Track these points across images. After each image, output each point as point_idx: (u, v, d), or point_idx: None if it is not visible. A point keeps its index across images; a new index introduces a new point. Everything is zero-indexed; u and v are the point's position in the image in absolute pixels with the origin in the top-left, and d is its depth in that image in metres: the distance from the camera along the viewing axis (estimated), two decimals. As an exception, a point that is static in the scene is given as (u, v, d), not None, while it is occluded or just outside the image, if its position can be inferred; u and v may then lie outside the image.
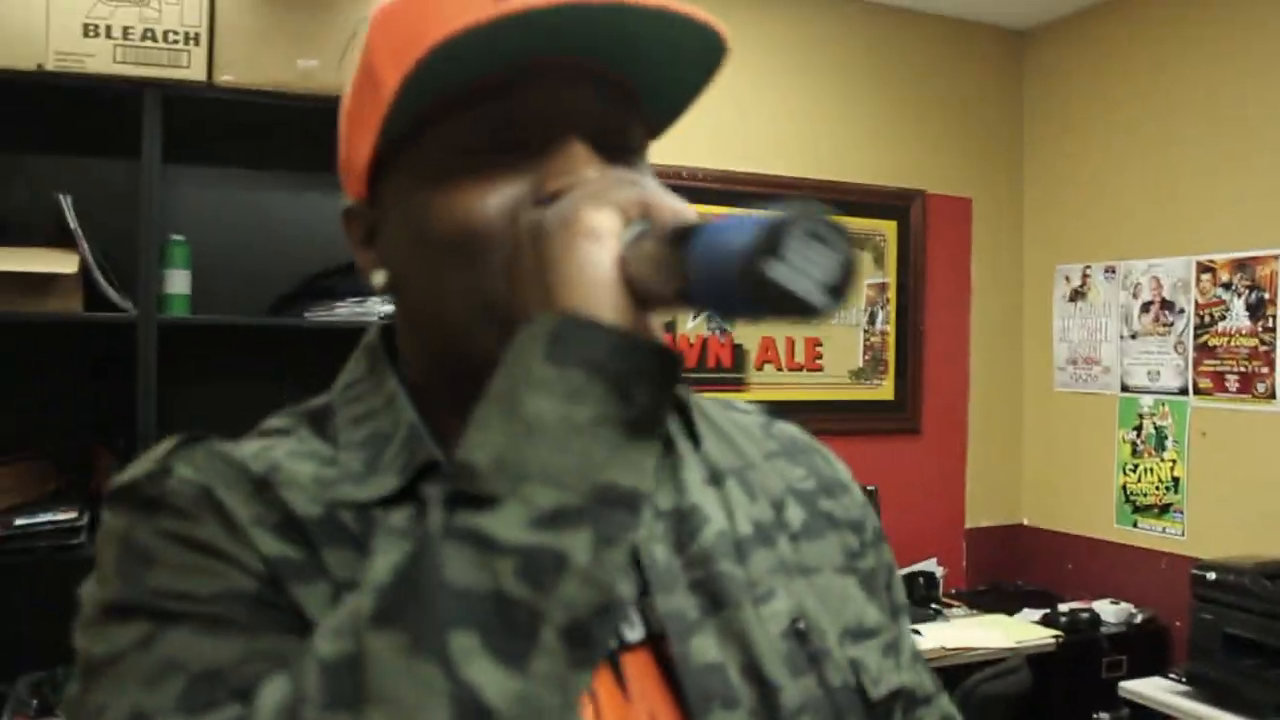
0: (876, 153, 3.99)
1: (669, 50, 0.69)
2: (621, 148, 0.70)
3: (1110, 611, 3.67)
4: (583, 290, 0.56)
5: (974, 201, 4.19)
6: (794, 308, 0.52)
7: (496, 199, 0.65)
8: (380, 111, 0.65)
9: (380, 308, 2.77)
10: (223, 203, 2.97)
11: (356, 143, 0.71)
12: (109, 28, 2.48)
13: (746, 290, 0.51)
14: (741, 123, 3.75)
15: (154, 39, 2.51)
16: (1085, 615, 3.62)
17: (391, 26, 0.68)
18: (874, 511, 0.86)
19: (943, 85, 4.14)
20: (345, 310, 2.77)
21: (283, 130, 2.92)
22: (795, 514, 0.79)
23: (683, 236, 0.56)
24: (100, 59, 2.47)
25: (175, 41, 2.52)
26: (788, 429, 0.86)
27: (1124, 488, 3.86)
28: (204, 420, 2.88)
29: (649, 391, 0.56)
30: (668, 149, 3.46)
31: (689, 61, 0.72)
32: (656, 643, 0.69)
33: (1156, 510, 3.75)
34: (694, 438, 0.78)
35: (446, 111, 0.66)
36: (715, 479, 0.77)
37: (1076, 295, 4.07)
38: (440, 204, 0.67)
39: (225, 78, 2.56)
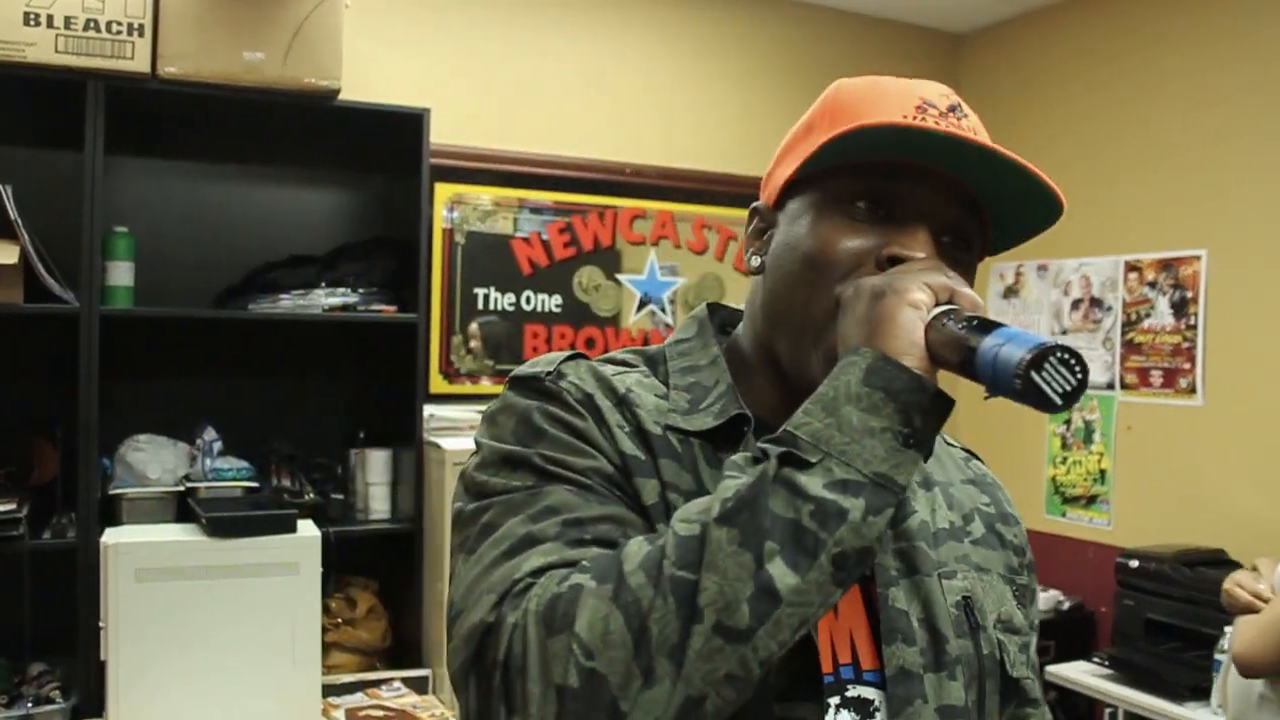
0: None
1: (1019, 197, 0.92)
2: (956, 246, 0.90)
3: (1039, 598, 3.78)
4: (897, 341, 0.78)
5: (911, 199, 4.28)
6: (1042, 404, 0.74)
7: (851, 242, 0.88)
8: (806, 153, 0.90)
9: (323, 300, 2.78)
10: (167, 195, 2.97)
11: (782, 167, 0.96)
12: (50, 17, 2.46)
13: (1016, 385, 0.74)
14: (688, 121, 3.79)
15: (97, 29, 2.50)
16: (1015, 603, 3.73)
17: (839, 99, 0.96)
18: (1029, 548, 1.08)
19: (882, 85, 4.21)
20: (289, 303, 2.79)
21: (228, 123, 2.93)
22: (977, 527, 1.02)
23: (974, 325, 0.78)
24: (41, 48, 2.46)
25: (119, 32, 2.51)
26: (981, 467, 1.11)
27: (1053, 479, 3.97)
28: (146, 413, 2.89)
29: (924, 420, 0.78)
30: (616, 146, 3.49)
31: (1031, 211, 0.94)
32: (865, 585, 0.91)
33: (1084, 501, 3.86)
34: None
35: (848, 171, 0.90)
36: (927, 485, 1.01)
37: (1010, 292, 4.18)
38: (815, 228, 0.90)
39: (170, 69, 2.56)
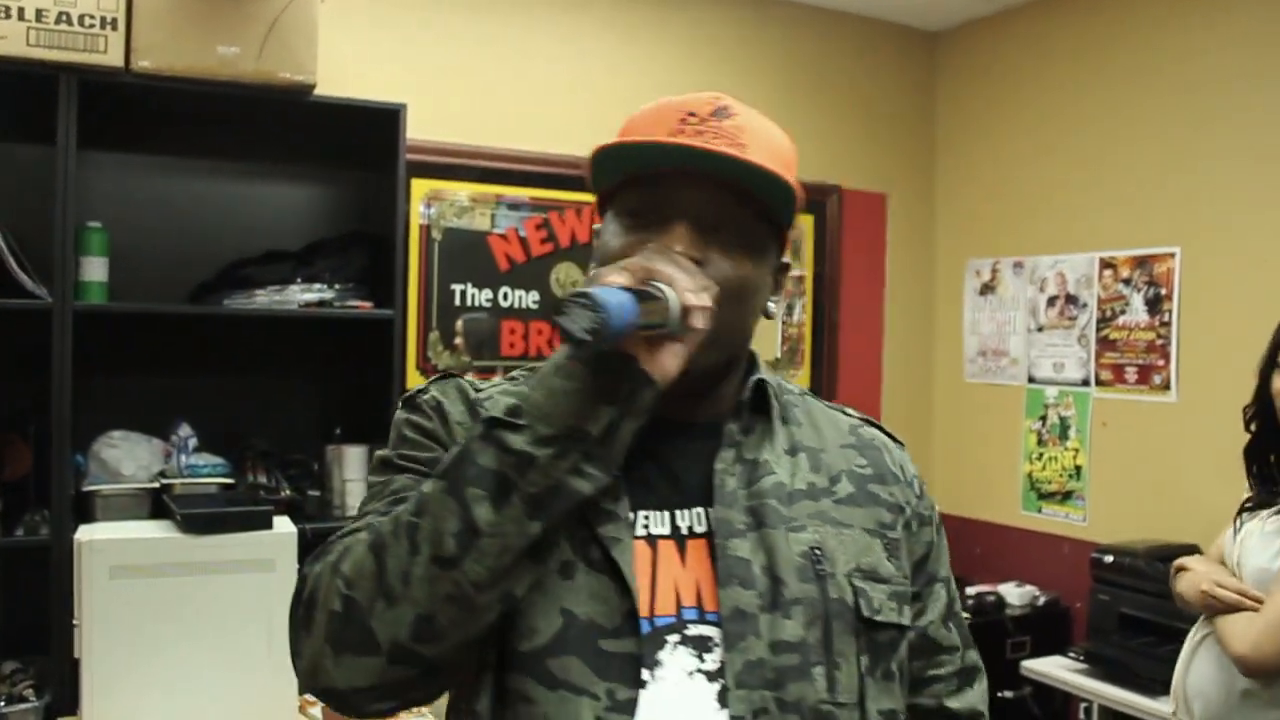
0: (795, 148, 4.06)
1: (772, 181, 1.05)
2: (729, 232, 1.05)
3: (1015, 594, 3.80)
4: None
5: (888, 197, 4.29)
6: (567, 338, 0.90)
7: (627, 247, 1.04)
8: (588, 175, 1.11)
9: (299, 296, 2.77)
10: (141, 190, 2.95)
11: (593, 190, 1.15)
12: (22, 10, 2.44)
13: (554, 325, 0.96)
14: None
15: (70, 23, 2.47)
16: (991, 598, 3.75)
17: (625, 126, 1.13)
18: (930, 507, 1.20)
19: (859, 84, 4.23)
20: (265, 298, 2.77)
21: (203, 117, 2.91)
22: (844, 487, 1.14)
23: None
24: (13, 41, 2.43)
25: (92, 26, 2.49)
26: (872, 432, 1.22)
27: (1029, 475, 4.00)
28: (120, 410, 2.87)
29: (610, 378, 0.95)
30: (592, 141, 3.47)
31: (774, 186, 1.06)
32: (711, 538, 1.06)
33: (1060, 497, 3.89)
34: (785, 421, 1.15)
35: (628, 185, 1.08)
36: (792, 451, 1.14)
37: (986, 289, 4.20)
38: (606, 237, 1.09)
39: (143, 64, 2.53)
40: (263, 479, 2.81)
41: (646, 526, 1.06)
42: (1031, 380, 3.99)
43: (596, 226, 1.15)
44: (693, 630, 1.02)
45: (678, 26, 3.81)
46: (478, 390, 1.13)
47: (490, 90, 3.48)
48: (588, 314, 0.89)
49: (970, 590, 3.81)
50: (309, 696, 2.53)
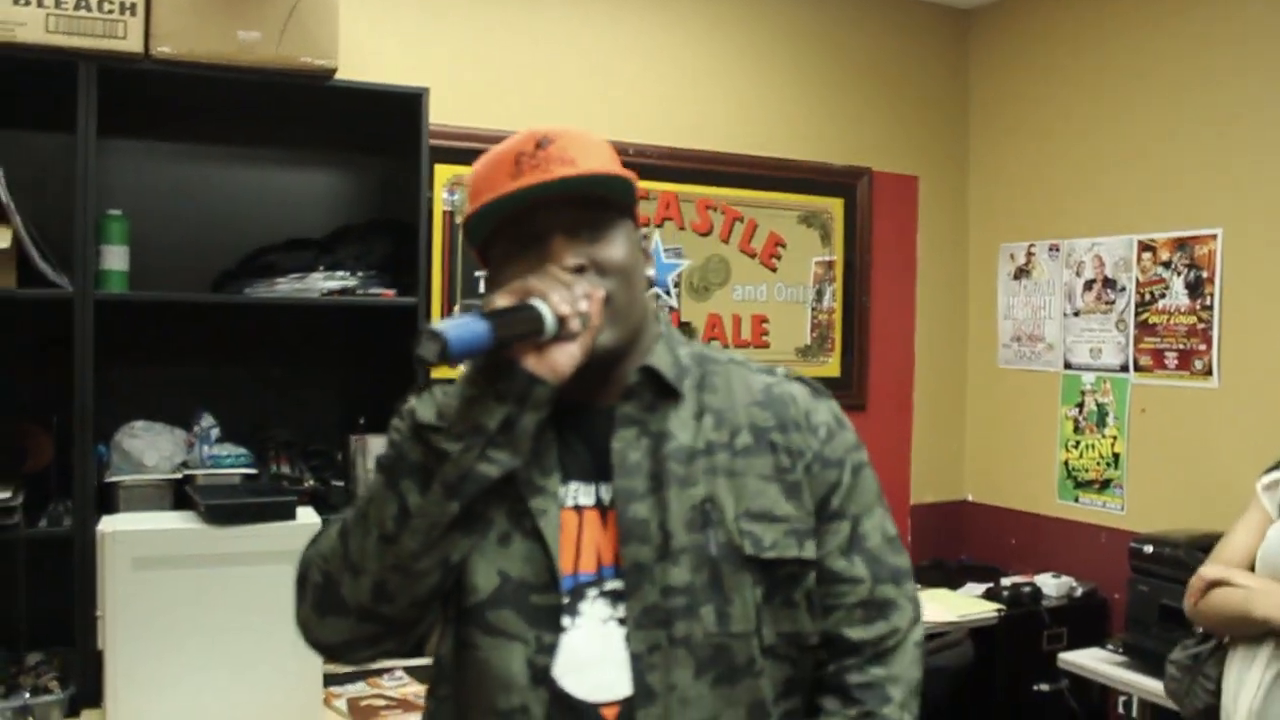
0: (824, 131, 4.00)
1: (597, 181, 1.24)
2: (589, 229, 1.23)
3: (1051, 585, 3.74)
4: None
5: (920, 180, 4.22)
6: (423, 362, 1.08)
7: (517, 273, 1.20)
8: (469, 232, 1.30)
9: (321, 284, 2.74)
10: (161, 177, 2.92)
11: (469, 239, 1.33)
12: (41, -3, 2.41)
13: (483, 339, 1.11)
14: (690, 101, 3.74)
15: (88, 8, 2.45)
16: (1027, 589, 3.68)
17: (472, 185, 1.29)
18: (842, 450, 1.32)
19: (890, 64, 4.16)
20: (287, 286, 2.74)
21: (223, 104, 2.88)
22: (744, 439, 1.27)
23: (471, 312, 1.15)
24: (32, 28, 2.41)
25: (110, 11, 2.47)
26: (787, 389, 1.33)
27: (1066, 463, 3.92)
28: (142, 400, 2.85)
29: (499, 379, 1.15)
30: (617, 126, 3.48)
31: (612, 182, 1.26)
32: (616, 504, 1.23)
33: (1097, 486, 3.81)
34: (701, 388, 1.30)
35: (498, 235, 1.25)
36: (699, 415, 1.28)
37: (1021, 273, 4.12)
38: (496, 274, 1.26)
39: (163, 49, 2.51)
40: (286, 469, 2.79)
41: (575, 497, 1.24)
42: (1068, 366, 3.91)
43: (480, 273, 1.29)
44: (609, 585, 1.22)
45: (703, 8, 3.75)
46: (445, 394, 1.26)
47: (512, 75, 3.44)
48: (433, 344, 1.07)
49: (1005, 581, 3.74)
50: (334, 689, 2.50)
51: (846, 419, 1.36)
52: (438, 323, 1.09)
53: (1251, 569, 1.99)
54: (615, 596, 1.21)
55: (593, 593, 1.21)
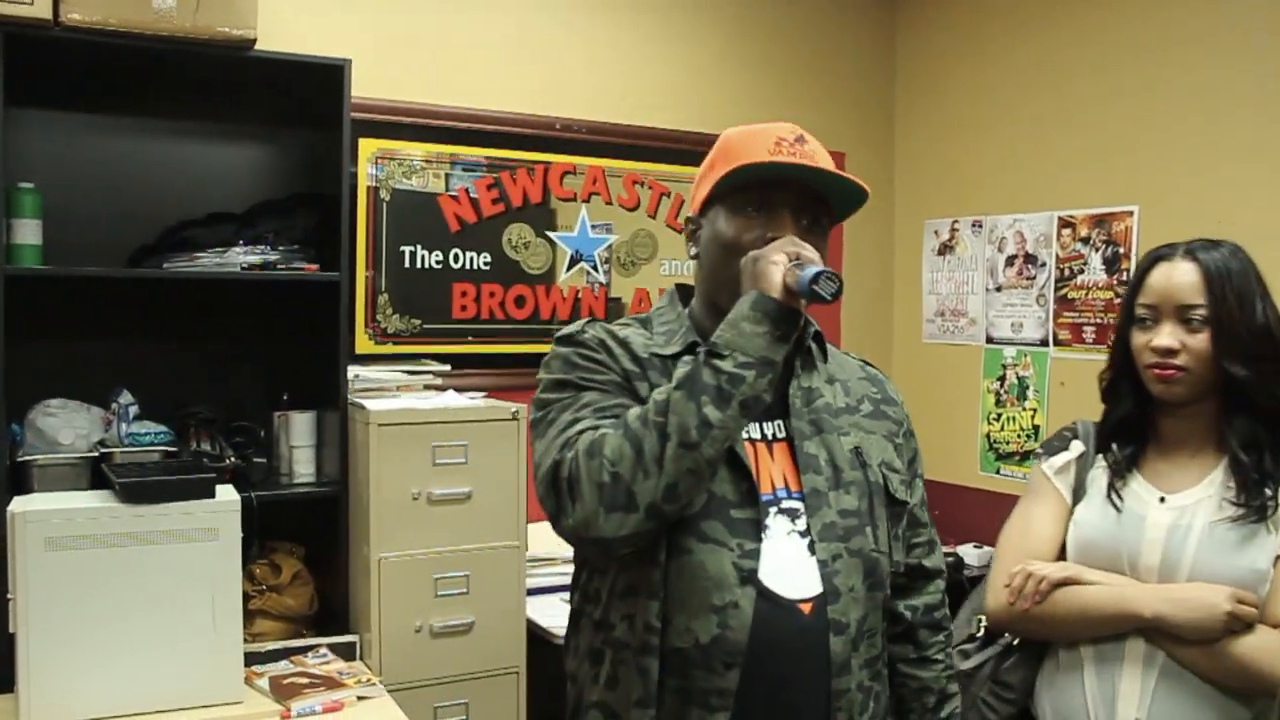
0: (753, 106, 4.01)
1: (843, 189, 1.52)
2: (811, 225, 1.51)
3: (974, 555, 3.81)
4: (766, 284, 1.38)
5: (847, 156, 4.24)
6: (817, 300, 1.34)
7: (747, 234, 1.49)
8: (714, 180, 1.51)
9: (241, 258, 2.69)
10: (75, 150, 2.85)
11: (700, 189, 1.57)
12: (-57, -40, 2.33)
13: (808, 293, 1.34)
14: (618, 75, 3.72)
15: (-6, -26, 2.37)
16: (950, 559, 3.74)
17: (728, 146, 1.56)
18: (909, 422, 1.71)
19: (818, 40, 4.17)
20: (207, 261, 2.69)
21: (139, 74, 2.81)
22: (866, 406, 1.64)
23: (799, 268, 1.37)
24: (-65, -6, 2.33)
25: (18, -23, 2.39)
26: (873, 370, 1.73)
27: (988, 436, 3.99)
28: (58, 377, 2.78)
29: (784, 325, 1.37)
30: (544, 100, 3.46)
31: (853, 195, 1.53)
32: (790, 442, 1.53)
33: (1018, 457, 3.89)
34: (825, 358, 1.64)
35: (737, 189, 1.50)
36: (830, 381, 1.62)
37: (945, 249, 4.17)
38: (726, 226, 1.51)
39: (73, 16, 2.44)
40: (207, 446, 2.74)
41: (748, 433, 1.51)
42: (990, 340, 3.98)
43: (691, 214, 1.60)
44: (785, 504, 1.49)
45: (632, -18, 3.73)
46: (614, 333, 1.56)
47: (438, 47, 3.40)
48: (831, 284, 1.35)
49: (929, 551, 3.80)
50: (256, 668, 2.48)
51: None
52: (817, 266, 1.36)
53: (1058, 560, 1.85)
54: (791, 514, 1.48)
55: (773, 510, 1.48)
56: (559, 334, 1.56)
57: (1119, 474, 1.85)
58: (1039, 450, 2.03)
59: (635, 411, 1.38)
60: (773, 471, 1.50)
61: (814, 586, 1.45)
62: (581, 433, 1.40)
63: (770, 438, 1.52)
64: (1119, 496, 1.82)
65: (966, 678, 1.91)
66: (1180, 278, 1.79)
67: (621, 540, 1.35)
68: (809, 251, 1.39)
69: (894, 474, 1.59)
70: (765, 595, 1.42)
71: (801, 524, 1.47)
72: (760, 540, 1.44)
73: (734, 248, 1.47)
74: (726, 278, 1.47)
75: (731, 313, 1.38)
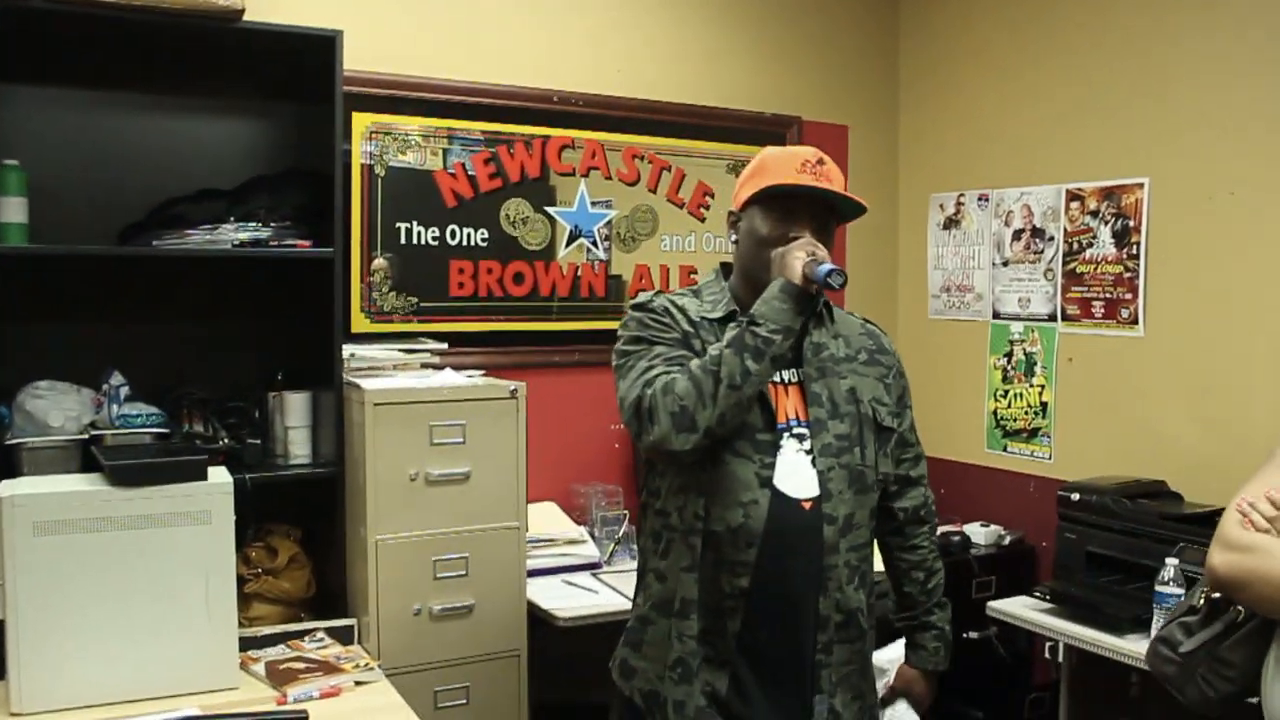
0: (754, 79, 3.94)
1: (845, 203, 1.99)
2: (823, 229, 1.97)
3: (981, 534, 3.76)
4: (791, 273, 1.86)
5: (850, 129, 4.18)
6: (829, 288, 1.85)
7: (775, 233, 1.95)
8: (753, 190, 1.97)
9: (233, 235, 2.63)
10: (61, 126, 2.79)
11: (744, 191, 2.01)
12: (-77, -70, 2.26)
13: (822, 283, 1.84)
14: (618, 48, 3.66)
15: (-24, -56, 2.30)
16: (956, 538, 3.70)
17: (765, 163, 2.00)
18: (900, 365, 2.17)
19: (821, 12, 4.10)
20: (198, 238, 2.63)
21: (126, 47, 2.74)
22: (862, 355, 2.09)
23: (817, 263, 1.86)
24: (-86, -35, 2.27)
25: (-1, -53, 2.32)
26: (872, 327, 2.18)
27: (995, 413, 3.94)
28: (47, 358, 2.73)
29: (804, 304, 1.88)
30: (542, 72, 3.44)
31: (852, 207, 2.00)
32: (801, 383, 2.00)
33: (1025, 434, 3.83)
34: (831, 320, 2.09)
35: (770, 198, 1.96)
36: (835, 336, 2.07)
37: (950, 223, 4.11)
38: (760, 225, 1.97)
39: (55, -13, 2.37)
40: (200, 428, 2.69)
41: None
42: (996, 316, 3.92)
43: (733, 209, 2.04)
44: (796, 430, 1.96)
45: (632, -49, 3.66)
46: (675, 301, 2.03)
47: (433, 19, 3.33)
48: (840, 277, 1.81)
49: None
50: (252, 652, 2.44)
51: None
52: (829, 264, 1.83)
53: None
54: (800, 438, 1.95)
55: (786, 434, 1.95)
56: (633, 302, 2.05)
57: None
58: None
59: (696, 362, 1.85)
60: (787, 406, 1.97)
61: (813, 489, 1.93)
62: (656, 375, 1.87)
63: (787, 381, 1.99)
64: None
65: (1187, 656, 1.85)
66: None
67: (687, 452, 1.83)
68: (822, 251, 1.88)
69: (882, 407, 2.06)
70: (777, 495, 1.91)
71: (807, 445, 1.95)
72: (776, 455, 1.93)
73: (765, 242, 1.95)
74: (759, 263, 1.95)
75: (765, 293, 1.87)
